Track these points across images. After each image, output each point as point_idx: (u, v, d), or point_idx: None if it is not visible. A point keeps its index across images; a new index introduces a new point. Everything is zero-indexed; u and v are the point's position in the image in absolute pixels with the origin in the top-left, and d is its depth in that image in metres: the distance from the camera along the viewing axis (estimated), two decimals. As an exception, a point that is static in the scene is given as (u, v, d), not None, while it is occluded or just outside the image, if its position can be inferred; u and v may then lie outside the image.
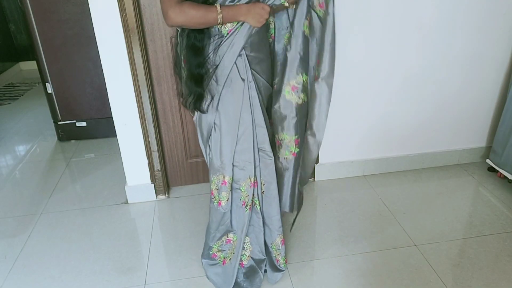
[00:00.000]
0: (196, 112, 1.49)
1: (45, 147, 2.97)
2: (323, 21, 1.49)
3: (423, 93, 2.23)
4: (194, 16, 1.25)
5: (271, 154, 1.49)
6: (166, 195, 2.27)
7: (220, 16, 1.26)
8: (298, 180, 1.65)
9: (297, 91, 1.49)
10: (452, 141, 2.42)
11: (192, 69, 1.36)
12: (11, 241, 1.97)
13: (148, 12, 1.90)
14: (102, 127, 3.00)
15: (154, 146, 2.13)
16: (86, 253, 1.87)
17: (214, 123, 1.45)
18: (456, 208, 2.10)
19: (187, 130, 2.20)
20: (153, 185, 2.22)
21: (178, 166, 2.29)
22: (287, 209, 1.67)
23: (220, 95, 1.41)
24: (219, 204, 1.52)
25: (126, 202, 2.24)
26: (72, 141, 3.03)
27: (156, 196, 2.26)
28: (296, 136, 1.55)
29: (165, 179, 2.26)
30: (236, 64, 1.37)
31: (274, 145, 1.59)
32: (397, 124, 2.30)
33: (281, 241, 1.63)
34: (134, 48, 1.89)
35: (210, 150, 1.51)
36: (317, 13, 1.48)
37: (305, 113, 1.57)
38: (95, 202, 2.26)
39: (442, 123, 2.34)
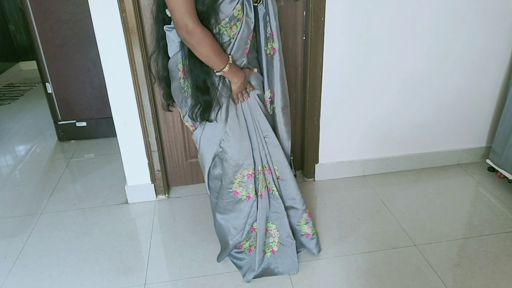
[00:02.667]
0: (201, 126, 1.50)
1: (45, 147, 2.97)
2: (269, 58, 1.52)
3: (423, 93, 2.23)
4: (207, 47, 1.25)
5: (276, 141, 1.57)
6: (166, 195, 2.27)
7: (226, 69, 1.31)
8: None
9: (268, 104, 1.60)
10: (452, 141, 2.42)
11: (198, 79, 1.35)
12: (11, 241, 1.98)
13: (148, 12, 1.90)
14: (102, 127, 3.00)
15: (154, 146, 2.13)
16: (86, 253, 1.87)
17: (226, 132, 1.48)
18: (456, 208, 2.10)
19: (187, 130, 2.20)
20: (153, 185, 2.22)
21: (178, 166, 2.29)
22: None
23: (229, 102, 1.44)
24: (248, 197, 1.59)
25: (126, 202, 2.24)
26: (72, 141, 3.03)
27: (156, 196, 2.26)
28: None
29: (165, 179, 2.26)
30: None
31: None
32: (397, 124, 2.30)
33: (308, 215, 1.71)
34: (134, 48, 1.89)
35: (222, 162, 1.57)
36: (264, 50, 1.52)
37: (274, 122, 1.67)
38: (95, 202, 2.26)
39: (442, 123, 2.34)
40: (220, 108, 1.42)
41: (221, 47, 1.31)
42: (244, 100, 1.47)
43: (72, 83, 2.84)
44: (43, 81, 2.84)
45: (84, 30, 2.68)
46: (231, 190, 1.58)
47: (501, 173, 2.28)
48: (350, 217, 2.05)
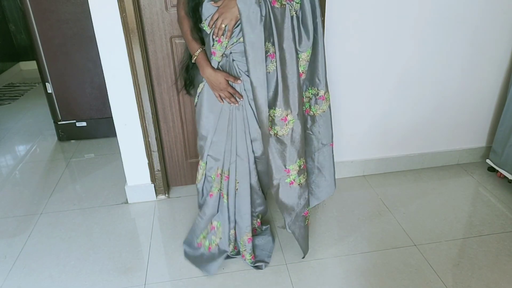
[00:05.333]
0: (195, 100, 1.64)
1: (45, 147, 2.97)
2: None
3: (423, 93, 2.23)
4: (182, 32, 1.53)
5: (246, 159, 1.60)
6: (166, 195, 2.28)
7: (194, 57, 1.50)
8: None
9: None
10: (452, 141, 2.42)
11: (189, 58, 1.59)
12: (11, 241, 1.98)
13: (148, 12, 1.90)
14: (102, 127, 3.00)
15: (154, 146, 2.13)
16: (86, 253, 1.87)
17: (197, 108, 1.61)
18: (456, 208, 2.10)
19: (187, 130, 2.20)
20: (153, 185, 2.22)
21: (178, 166, 2.29)
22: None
23: (204, 86, 1.54)
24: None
25: (126, 202, 2.24)
26: (72, 141, 3.03)
27: (156, 196, 2.26)
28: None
29: (165, 179, 2.26)
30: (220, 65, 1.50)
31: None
32: (397, 124, 2.30)
33: (248, 239, 1.71)
34: (134, 48, 1.89)
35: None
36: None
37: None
38: (95, 202, 2.26)
39: (442, 123, 2.34)
40: (192, 86, 1.63)
41: (196, 37, 1.48)
42: (230, 103, 1.51)
43: (72, 83, 2.84)
44: (43, 81, 2.84)
45: (84, 30, 2.68)
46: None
47: (501, 173, 2.28)
48: (350, 217, 2.05)
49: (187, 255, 1.81)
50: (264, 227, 1.91)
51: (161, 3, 1.89)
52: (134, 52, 1.90)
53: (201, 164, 1.68)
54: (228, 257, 1.77)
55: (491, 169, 2.39)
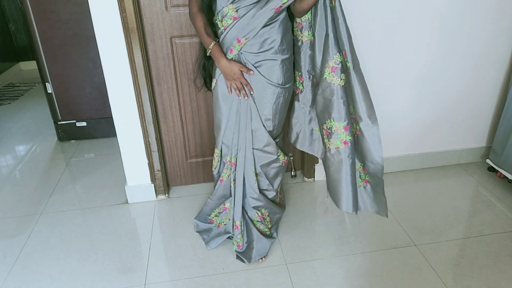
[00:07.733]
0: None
1: (45, 147, 2.97)
2: (333, 12, 1.46)
3: (423, 93, 2.23)
4: (195, 28, 1.56)
5: (243, 149, 1.67)
6: (166, 195, 2.28)
7: (209, 50, 1.54)
8: (355, 175, 1.59)
9: (337, 72, 1.49)
10: (452, 141, 2.42)
11: (204, 55, 1.65)
12: (11, 241, 1.98)
13: (148, 12, 1.90)
14: (102, 127, 3.00)
15: (154, 146, 2.13)
16: (86, 253, 1.87)
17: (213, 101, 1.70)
18: (456, 208, 2.10)
19: (187, 130, 2.20)
20: (153, 185, 2.22)
21: (178, 166, 2.29)
22: (350, 209, 1.58)
23: (217, 80, 1.63)
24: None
25: (126, 202, 2.24)
26: (72, 141, 3.03)
27: (156, 196, 2.26)
28: (345, 123, 1.51)
29: (165, 179, 2.26)
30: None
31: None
32: (397, 124, 2.29)
33: (235, 226, 1.76)
34: (134, 48, 1.89)
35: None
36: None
37: (348, 97, 1.53)
38: (95, 202, 2.26)
39: (442, 123, 2.34)
40: (210, 79, 1.70)
41: (210, 32, 1.53)
42: (240, 95, 1.58)
43: (72, 83, 2.84)
44: (43, 81, 2.84)
45: (84, 30, 2.68)
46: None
47: (501, 173, 2.28)
48: (350, 217, 2.05)
49: (197, 228, 1.94)
50: (272, 232, 1.87)
51: (161, 3, 1.89)
52: (134, 52, 1.90)
53: (216, 151, 1.77)
54: (230, 238, 1.86)
55: (491, 169, 2.39)
